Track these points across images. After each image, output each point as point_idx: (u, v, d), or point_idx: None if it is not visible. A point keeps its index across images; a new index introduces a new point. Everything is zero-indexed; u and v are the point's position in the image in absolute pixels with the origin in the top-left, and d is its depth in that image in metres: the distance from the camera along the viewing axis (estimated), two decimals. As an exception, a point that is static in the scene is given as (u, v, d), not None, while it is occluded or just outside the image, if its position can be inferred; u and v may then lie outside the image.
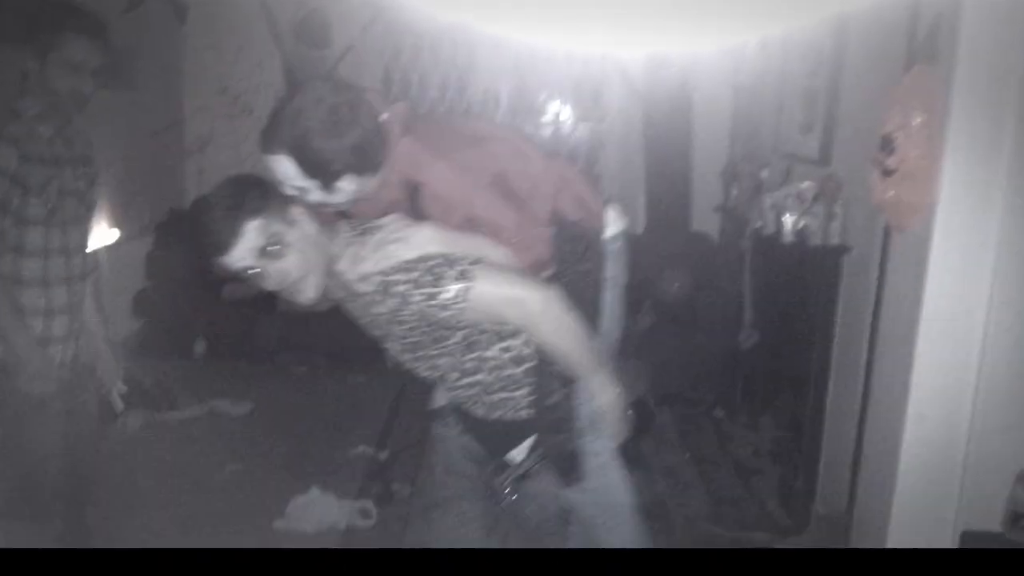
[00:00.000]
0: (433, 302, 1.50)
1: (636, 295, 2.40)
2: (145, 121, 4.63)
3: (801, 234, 2.91)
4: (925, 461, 2.22)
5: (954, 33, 2.06)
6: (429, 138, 1.61)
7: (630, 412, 1.73)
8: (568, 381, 1.65)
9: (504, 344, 1.63)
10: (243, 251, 1.48)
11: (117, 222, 4.25)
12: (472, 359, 1.64)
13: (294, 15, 4.86)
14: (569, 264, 1.69)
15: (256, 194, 1.51)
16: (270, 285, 1.54)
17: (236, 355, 4.47)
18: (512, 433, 1.70)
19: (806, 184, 2.96)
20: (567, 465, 1.69)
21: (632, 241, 1.87)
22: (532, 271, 1.62)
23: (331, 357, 4.45)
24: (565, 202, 1.71)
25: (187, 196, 5.08)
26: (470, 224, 1.58)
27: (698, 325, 4.10)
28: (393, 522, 2.92)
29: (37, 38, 1.89)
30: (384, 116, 1.57)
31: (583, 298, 1.66)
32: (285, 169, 1.51)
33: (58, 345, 2.03)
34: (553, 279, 1.65)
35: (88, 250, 2.12)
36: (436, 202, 1.57)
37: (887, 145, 2.23)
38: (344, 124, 1.50)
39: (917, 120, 2.15)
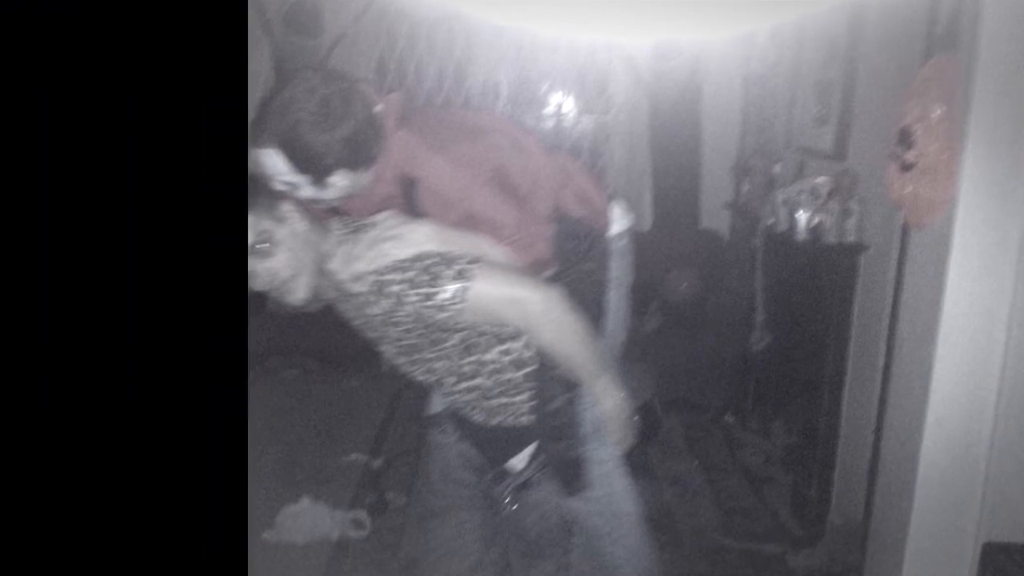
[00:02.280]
0: (430, 303, 1.46)
1: (642, 295, 2.38)
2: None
3: (815, 231, 2.88)
4: (945, 469, 2.19)
5: (975, 21, 2.01)
6: (425, 131, 1.57)
7: (636, 418, 1.70)
8: (571, 386, 1.62)
9: (504, 347, 1.59)
10: (230, 249, 1.44)
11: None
12: (470, 362, 1.60)
13: (283, 1, 4.80)
14: (572, 263, 1.66)
15: None
16: (259, 285, 1.50)
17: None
18: (512, 440, 1.66)
19: (821, 179, 2.94)
20: (570, 473, 1.66)
21: (638, 239, 1.85)
22: (533, 270, 1.58)
23: (323, 360, 4.43)
24: (568, 198, 1.68)
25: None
26: (468, 221, 1.54)
27: (707, 327, 4.07)
28: (387, 533, 2.88)
29: None
30: (378, 108, 1.54)
31: (586, 299, 1.63)
32: (274, 163, 1.48)
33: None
34: (555, 279, 1.61)
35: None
36: (433, 198, 1.54)
37: (905, 139, 2.21)
38: (336, 116, 1.46)
39: (936, 113, 2.13)
